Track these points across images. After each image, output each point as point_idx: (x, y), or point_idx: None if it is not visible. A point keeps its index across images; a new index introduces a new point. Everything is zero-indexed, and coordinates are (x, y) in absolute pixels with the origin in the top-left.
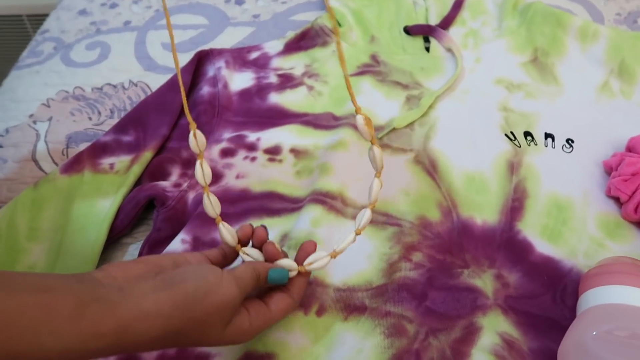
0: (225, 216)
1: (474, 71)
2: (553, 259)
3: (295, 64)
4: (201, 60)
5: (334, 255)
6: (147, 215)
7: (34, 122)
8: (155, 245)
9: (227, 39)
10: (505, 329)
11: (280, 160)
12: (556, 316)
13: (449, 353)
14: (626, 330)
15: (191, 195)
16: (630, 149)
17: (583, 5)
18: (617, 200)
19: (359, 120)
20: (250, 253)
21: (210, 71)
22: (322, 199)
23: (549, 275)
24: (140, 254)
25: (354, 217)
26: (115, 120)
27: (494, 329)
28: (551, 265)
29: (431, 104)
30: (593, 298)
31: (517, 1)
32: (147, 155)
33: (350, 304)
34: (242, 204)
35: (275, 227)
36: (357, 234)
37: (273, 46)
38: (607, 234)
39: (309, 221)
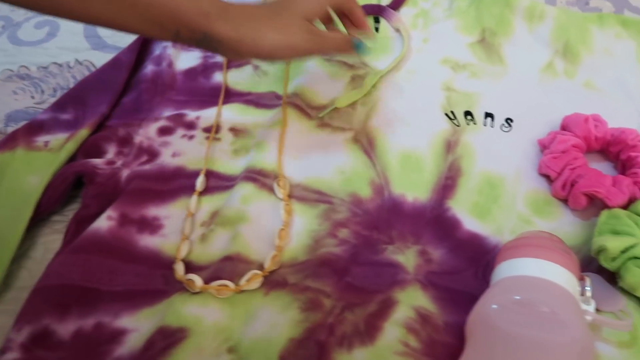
0: (158, 194)
1: (421, 51)
2: (479, 235)
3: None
4: (148, 39)
5: None
6: (79, 194)
7: None
8: (82, 221)
9: None
10: (422, 303)
11: (219, 139)
12: (476, 291)
13: (362, 327)
14: (527, 301)
15: (125, 173)
16: (564, 127)
17: None
18: (548, 178)
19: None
20: None
21: (157, 50)
22: (255, 176)
23: (473, 252)
24: (67, 231)
25: (286, 197)
26: None
27: (410, 303)
28: (476, 241)
29: (375, 83)
30: (503, 270)
31: None
32: (83, 133)
33: (273, 280)
34: (176, 182)
35: (207, 205)
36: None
37: None
38: (535, 211)
39: (239, 198)
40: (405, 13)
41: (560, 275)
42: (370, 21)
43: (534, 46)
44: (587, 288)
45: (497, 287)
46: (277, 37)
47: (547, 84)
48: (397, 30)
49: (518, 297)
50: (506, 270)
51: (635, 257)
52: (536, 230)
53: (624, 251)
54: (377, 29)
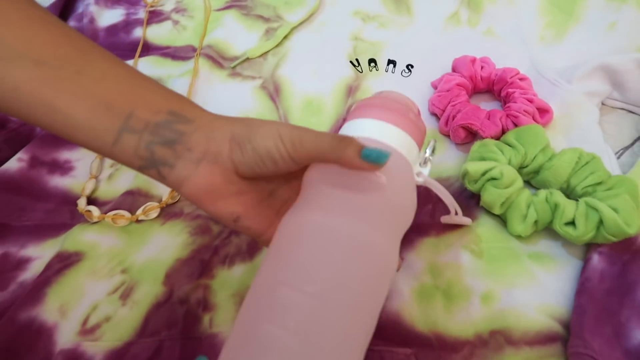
0: None
1: (334, 5)
2: None
3: (165, 0)
4: None
5: None
6: None
7: None
8: None
9: None
10: None
11: None
12: None
13: (244, 248)
14: None
15: None
16: (454, 69)
17: None
18: (437, 116)
19: None
20: None
21: (80, 8)
22: None
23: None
24: None
25: None
26: None
27: None
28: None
29: (287, 35)
30: (343, 131)
31: None
32: None
33: (171, 212)
34: None
35: None
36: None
37: None
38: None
39: None
40: None
41: (393, 137)
42: None
43: None
44: (428, 152)
45: None
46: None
47: (450, 32)
48: None
49: None
50: (344, 130)
51: (493, 178)
52: (388, 91)
53: (483, 174)
54: None
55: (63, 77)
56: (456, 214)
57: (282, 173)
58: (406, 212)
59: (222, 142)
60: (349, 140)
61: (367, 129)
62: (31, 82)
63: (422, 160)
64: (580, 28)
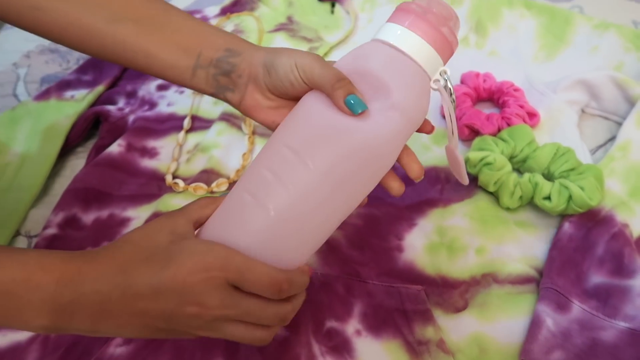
0: (155, 131)
1: (365, 29)
2: None
3: (227, 23)
4: None
5: None
6: (95, 133)
7: (16, 68)
8: (99, 149)
9: (176, 3)
10: None
11: (202, 95)
12: (382, 194)
13: None
14: (363, 71)
15: (131, 117)
16: (462, 81)
17: None
18: None
19: None
20: None
21: None
22: (228, 117)
23: None
24: (89, 156)
25: (250, 133)
26: None
27: None
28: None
29: (326, 53)
30: (380, 31)
31: None
32: (99, 88)
33: None
34: (169, 123)
35: (191, 139)
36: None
37: (212, 10)
38: (434, 141)
39: (215, 132)
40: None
41: (415, 46)
42: (327, 5)
43: None
44: (447, 78)
45: (357, 50)
46: None
47: (460, 52)
48: (348, 12)
49: (359, 66)
50: (382, 30)
51: (488, 163)
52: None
53: (480, 160)
54: (332, 12)
55: (153, 31)
56: (452, 134)
57: (301, 92)
58: (415, 115)
59: (257, 68)
60: (343, 84)
61: (394, 35)
62: (133, 36)
63: (440, 72)
64: (569, 50)
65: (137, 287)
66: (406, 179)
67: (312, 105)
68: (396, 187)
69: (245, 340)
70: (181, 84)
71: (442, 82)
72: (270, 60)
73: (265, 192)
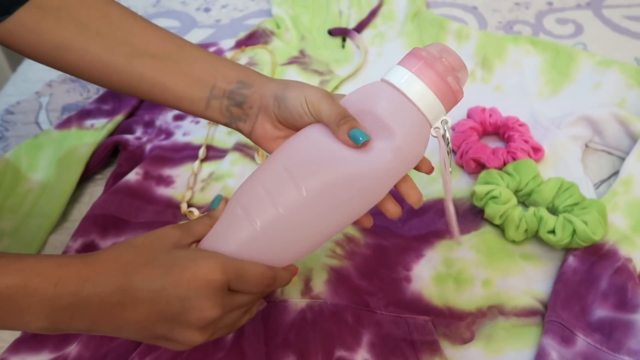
0: (171, 160)
1: (375, 62)
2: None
3: (242, 55)
4: None
5: None
6: (113, 161)
7: (39, 96)
8: (117, 177)
9: (192, 37)
10: (349, 231)
11: (217, 124)
12: (391, 225)
13: None
14: (367, 111)
15: (148, 146)
16: (468, 115)
17: (474, 15)
18: (454, 151)
19: None
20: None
21: None
22: (241, 148)
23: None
24: (107, 184)
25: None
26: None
27: (342, 231)
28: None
29: (337, 86)
30: (389, 73)
31: (417, 10)
32: (119, 118)
33: None
34: (184, 152)
35: (206, 168)
36: None
37: (227, 43)
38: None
39: (229, 162)
40: (366, 34)
41: (419, 93)
42: (338, 40)
43: None
44: (446, 128)
45: (365, 88)
46: None
47: (467, 87)
48: (358, 46)
49: (364, 107)
50: (391, 71)
51: (494, 197)
52: (444, 48)
53: (487, 194)
54: (343, 46)
55: (169, 65)
56: (446, 184)
57: (308, 124)
58: (409, 158)
59: (268, 99)
60: (346, 120)
61: (401, 80)
62: (151, 71)
63: (437, 131)
64: (572, 86)
65: (139, 291)
66: (412, 210)
67: (314, 133)
68: (391, 209)
69: (232, 331)
70: (196, 114)
71: (441, 131)
72: (281, 93)
73: (255, 208)
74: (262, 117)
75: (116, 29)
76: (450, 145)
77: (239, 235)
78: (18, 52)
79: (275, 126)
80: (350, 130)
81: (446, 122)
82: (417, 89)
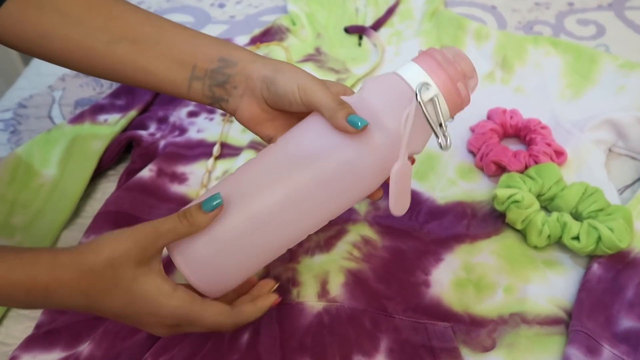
0: (185, 157)
1: (392, 61)
2: (416, 191)
3: (256, 52)
4: None
5: None
6: (127, 157)
7: (52, 90)
8: (130, 173)
9: (207, 31)
10: (367, 233)
11: (232, 121)
12: (409, 228)
13: (322, 243)
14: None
15: (162, 143)
16: (488, 117)
17: (493, 15)
18: (474, 153)
19: None
20: None
21: None
22: (256, 146)
23: (412, 201)
24: (120, 180)
25: None
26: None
27: (358, 232)
28: (415, 196)
29: (353, 84)
30: (403, 66)
31: (435, 9)
32: (132, 113)
33: None
34: (198, 149)
35: (220, 165)
36: None
37: (241, 39)
38: (461, 175)
39: (244, 160)
40: (383, 33)
41: (416, 77)
42: (355, 38)
43: (479, 59)
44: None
45: (374, 80)
46: None
47: (487, 88)
48: (375, 45)
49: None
50: (404, 67)
51: (516, 201)
52: (459, 53)
53: (509, 198)
54: (360, 44)
55: (148, 48)
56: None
57: (297, 110)
58: (409, 150)
59: (256, 81)
60: (342, 105)
61: (412, 75)
62: (131, 55)
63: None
64: (595, 89)
65: (102, 311)
66: (430, 213)
67: (306, 125)
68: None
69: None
70: (179, 96)
71: (420, 96)
72: (272, 75)
73: (236, 199)
74: (248, 99)
75: (96, 15)
76: (445, 140)
77: (220, 224)
78: (5, 44)
79: (263, 109)
80: (349, 116)
81: (427, 86)
82: (426, 87)
